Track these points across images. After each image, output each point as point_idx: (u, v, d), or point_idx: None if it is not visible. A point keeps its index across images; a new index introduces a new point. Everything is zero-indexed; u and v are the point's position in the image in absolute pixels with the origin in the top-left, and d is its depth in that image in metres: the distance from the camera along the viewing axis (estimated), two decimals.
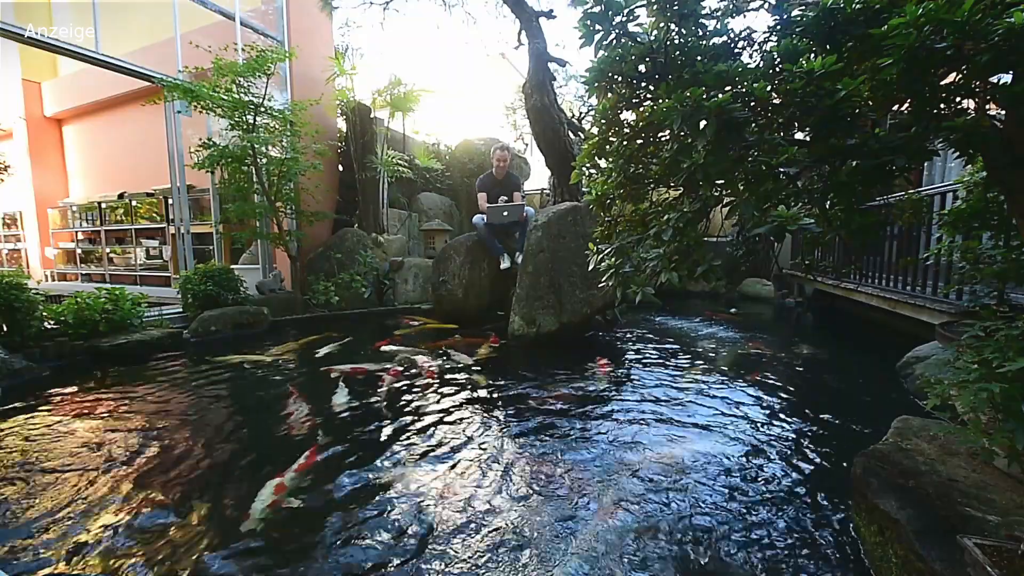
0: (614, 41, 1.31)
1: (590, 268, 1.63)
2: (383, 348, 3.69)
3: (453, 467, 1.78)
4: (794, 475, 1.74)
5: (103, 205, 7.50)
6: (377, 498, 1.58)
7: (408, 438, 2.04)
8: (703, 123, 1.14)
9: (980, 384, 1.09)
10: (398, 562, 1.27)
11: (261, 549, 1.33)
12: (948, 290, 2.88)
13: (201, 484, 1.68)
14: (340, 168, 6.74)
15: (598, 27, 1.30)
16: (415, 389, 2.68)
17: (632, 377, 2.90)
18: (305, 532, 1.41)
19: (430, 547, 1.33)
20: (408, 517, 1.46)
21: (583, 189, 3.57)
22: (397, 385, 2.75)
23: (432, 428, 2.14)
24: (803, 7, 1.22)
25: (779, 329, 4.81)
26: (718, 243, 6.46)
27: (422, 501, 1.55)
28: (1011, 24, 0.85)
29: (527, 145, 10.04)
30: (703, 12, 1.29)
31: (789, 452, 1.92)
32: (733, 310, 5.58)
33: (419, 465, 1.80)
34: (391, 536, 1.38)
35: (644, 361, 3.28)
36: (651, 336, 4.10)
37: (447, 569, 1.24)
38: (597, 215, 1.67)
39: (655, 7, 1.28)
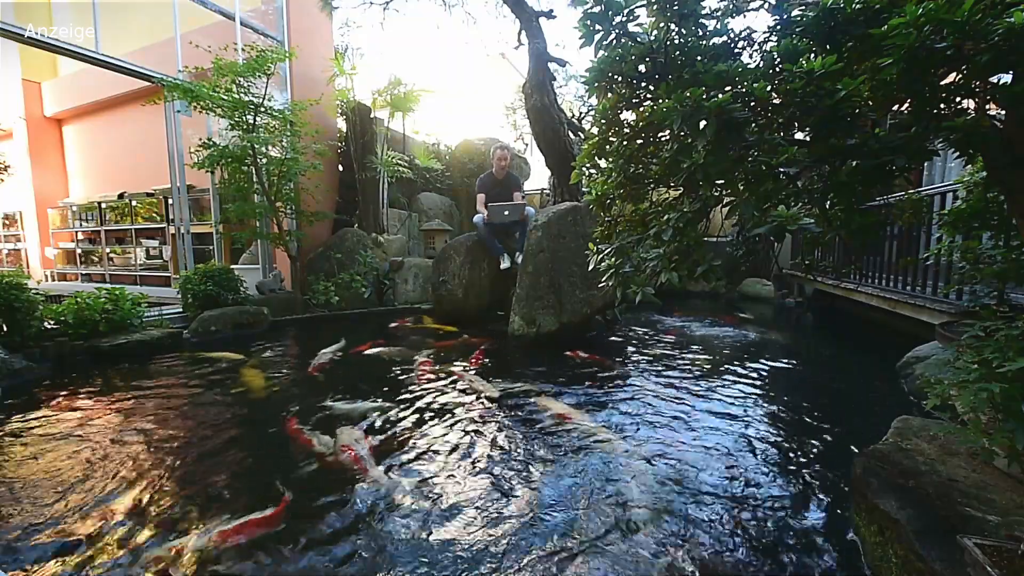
0: (614, 41, 1.32)
1: (590, 268, 1.62)
2: (367, 351, 3.50)
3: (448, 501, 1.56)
4: (794, 475, 1.74)
5: (103, 205, 7.51)
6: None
7: (390, 450, 2.03)
8: (703, 123, 1.14)
9: (980, 384, 1.09)
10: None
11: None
12: (948, 290, 2.88)
13: (190, 482, 1.69)
14: (340, 168, 6.75)
15: (598, 27, 1.30)
16: (405, 394, 2.66)
17: (631, 377, 2.90)
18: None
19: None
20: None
21: (583, 189, 3.55)
22: (385, 389, 2.75)
23: (413, 441, 2.05)
24: (803, 7, 1.22)
25: (779, 329, 4.80)
26: (718, 243, 6.45)
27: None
28: (1011, 24, 0.85)
29: (527, 145, 10.04)
30: (703, 12, 1.30)
31: (789, 452, 1.92)
32: (743, 314, 5.43)
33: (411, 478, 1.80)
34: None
35: (643, 361, 3.28)
36: (650, 336, 4.10)
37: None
38: (597, 215, 1.67)
39: (655, 7, 1.28)
